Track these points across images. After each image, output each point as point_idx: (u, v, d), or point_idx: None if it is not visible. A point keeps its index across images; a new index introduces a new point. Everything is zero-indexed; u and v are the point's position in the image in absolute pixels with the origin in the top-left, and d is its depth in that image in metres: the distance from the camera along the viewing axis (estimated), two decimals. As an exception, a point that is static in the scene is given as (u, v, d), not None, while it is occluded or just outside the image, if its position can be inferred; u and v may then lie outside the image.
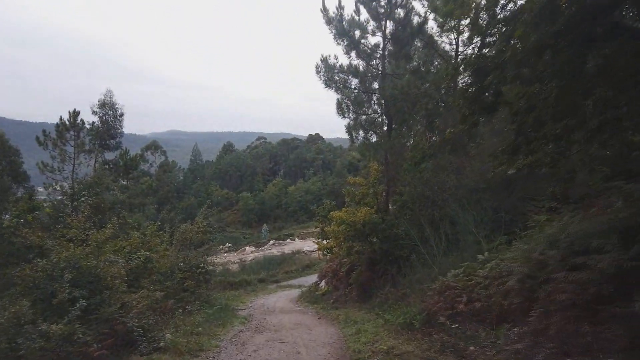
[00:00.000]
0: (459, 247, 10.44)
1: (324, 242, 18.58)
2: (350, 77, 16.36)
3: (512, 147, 6.05)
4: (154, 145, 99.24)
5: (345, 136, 16.97)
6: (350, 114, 16.00)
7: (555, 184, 8.10)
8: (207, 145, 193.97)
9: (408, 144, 15.85)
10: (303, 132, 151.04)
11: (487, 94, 5.89)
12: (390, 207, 15.48)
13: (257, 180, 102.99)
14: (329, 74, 16.11)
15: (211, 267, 15.64)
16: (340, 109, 15.79)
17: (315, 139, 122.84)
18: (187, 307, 11.93)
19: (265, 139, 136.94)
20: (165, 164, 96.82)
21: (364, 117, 16.28)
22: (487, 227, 10.18)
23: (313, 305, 17.00)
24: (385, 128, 15.89)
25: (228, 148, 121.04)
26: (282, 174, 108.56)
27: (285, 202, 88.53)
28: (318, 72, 15.85)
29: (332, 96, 16.49)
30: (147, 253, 11.49)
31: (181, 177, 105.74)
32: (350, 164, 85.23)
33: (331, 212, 15.61)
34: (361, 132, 16.48)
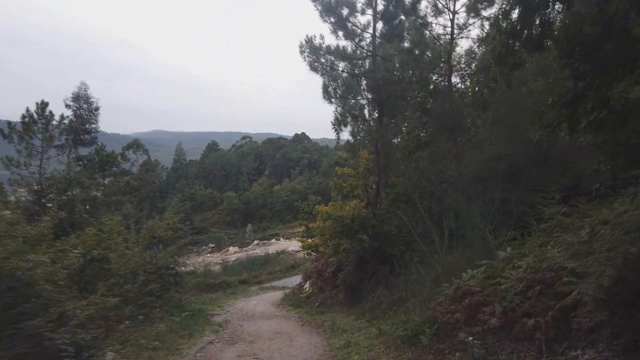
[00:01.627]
0: (462, 242, 9.07)
1: (309, 240, 17.15)
2: (337, 60, 14.92)
3: (572, 96, 4.48)
4: (135, 144, 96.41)
5: (332, 136, 15.60)
6: (338, 100, 14.55)
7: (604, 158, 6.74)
8: (192, 145, 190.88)
9: (401, 131, 14.42)
10: (289, 132, 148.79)
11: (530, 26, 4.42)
12: (379, 202, 14.07)
13: (242, 179, 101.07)
14: (314, 55, 14.64)
15: (183, 268, 14.03)
16: (327, 93, 14.34)
17: (301, 138, 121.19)
18: (148, 314, 10.35)
19: (250, 138, 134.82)
20: (148, 163, 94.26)
21: (352, 101, 14.86)
22: (495, 220, 8.84)
23: (296, 309, 15.51)
24: (375, 114, 14.47)
25: (212, 147, 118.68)
26: (268, 174, 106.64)
27: (270, 202, 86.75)
28: (302, 52, 14.37)
29: (318, 92, 15.05)
30: (97, 252, 9.86)
31: (164, 177, 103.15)
32: (337, 163, 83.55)
33: (316, 207, 14.13)
34: (349, 119, 15.08)
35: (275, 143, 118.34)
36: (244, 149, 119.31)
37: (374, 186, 14.41)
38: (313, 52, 14.52)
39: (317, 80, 14.21)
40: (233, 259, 44.14)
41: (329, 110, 19.88)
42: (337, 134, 18.63)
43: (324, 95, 14.32)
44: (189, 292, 20.01)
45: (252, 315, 14.64)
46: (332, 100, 14.49)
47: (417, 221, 11.63)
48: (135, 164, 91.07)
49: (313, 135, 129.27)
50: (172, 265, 13.14)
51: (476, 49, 21.81)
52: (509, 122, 11.57)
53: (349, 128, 18.12)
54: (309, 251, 15.98)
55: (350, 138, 16.44)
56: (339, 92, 14.68)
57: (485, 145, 11.34)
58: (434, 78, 17.51)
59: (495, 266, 5.15)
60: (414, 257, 11.19)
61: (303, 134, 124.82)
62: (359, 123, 14.66)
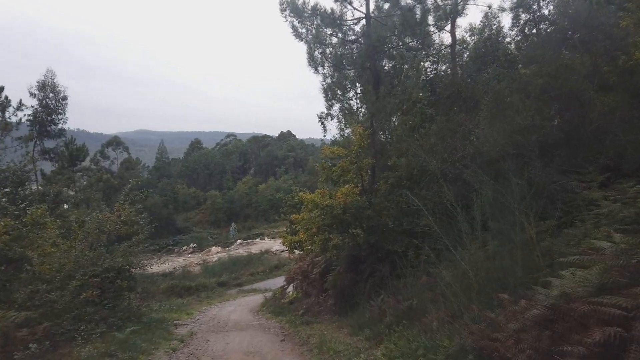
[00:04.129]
0: (489, 233, 6.86)
1: (292, 236, 14.73)
2: (324, 25, 12.61)
3: None
4: (115, 141, 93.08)
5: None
6: (325, 68, 12.27)
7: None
8: (177, 145, 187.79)
9: (402, 105, 12.10)
10: (275, 132, 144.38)
11: None
12: (375, 188, 11.76)
13: (227, 178, 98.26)
14: (298, 17, 12.32)
15: (139, 270, 11.62)
16: (312, 60, 12.06)
17: (287, 136, 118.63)
18: (80, 330, 7.93)
19: (235, 136, 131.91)
20: (128, 161, 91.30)
21: (342, 72, 12.60)
22: (536, 205, 6.70)
23: (277, 317, 13.16)
24: (370, 86, 12.19)
25: (195, 145, 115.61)
26: (253, 172, 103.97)
27: (255, 201, 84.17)
28: (282, 10, 12.02)
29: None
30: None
31: (146, 175, 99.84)
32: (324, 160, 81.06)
33: (300, 193, 11.77)
34: (338, 93, 12.83)
35: (260, 141, 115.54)
36: (228, 147, 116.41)
37: (368, 171, 12.16)
38: (295, 12, 12.22)
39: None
40: (215, 259, 41.68)
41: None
42: (323, 127, 16.36)
43: (309, 63, 12.04)
44: (153, 297, 17.63)
45: (224, 326, 12.28)
46: (319, 69, 12.22)
47: (422, 209, 9.49)
48: (115, 162, 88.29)
49: (299, 135, 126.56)
50: (125, 267, 10.74)
51: (468, 39, 19.77)
52: (537, 88, 9.45)
53: (335, 122, 15.97)
54: (292, 247, 13.62)
55: (337, 135, 14.33)
56: (327, 62, 12.43)
57: (511, 114, 9.16)
58: (427, 66, 15.38)
59: (606, 263, 2.93)
60: (421, 255, 9.00)
61: (289, 132, 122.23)
62: (350, 98, 12.36)
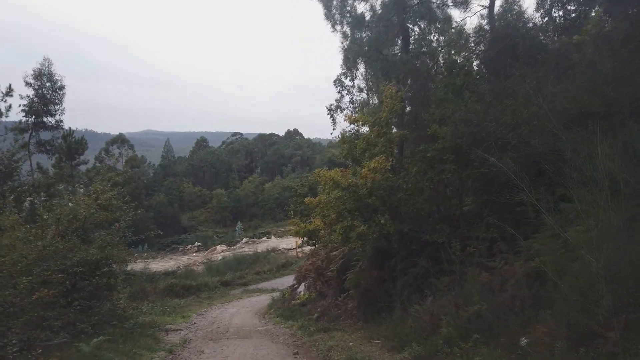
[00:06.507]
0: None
1: (303, 224, 12.62)
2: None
3: None
4: (120, 139, 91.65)
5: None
6: (344, 25, 10.27)
7: None
8: (184, 145, 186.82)
9: (439, 63, 9.97)
10: (281, 131, 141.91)
11: None
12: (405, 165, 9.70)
13: (233, 177, 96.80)
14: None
15: (121, 266, 9.68)
16: (330, 15, 10.06)
17: (293, 134, 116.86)
18: (32, 340, 5.97)
19: (241, 134, 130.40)
20: (133, 159, 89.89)
21: (364, 34, 10.57)
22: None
23: (287, 321, 11.15)
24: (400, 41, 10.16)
25: (201, 143, 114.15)
26: (259, 171, 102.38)
27: (261, 200, 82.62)
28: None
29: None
30: None
31: (152, 174, 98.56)
32: (330, 161, 78.72)
33: (318, 170, 9.68)
34: (360, 60, 10.82)
35: (266, 139, 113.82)
36: (234, 145, 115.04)
37: (395, 150, 10.13)
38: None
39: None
40: (219, 258, 39.90)
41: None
42: (332, 120, 14.45)
43: (326, 17, 10.08)
44: (147, 297, 15.74)
45: (224, 332, 10.33)
46: (337, 26, 10.22)
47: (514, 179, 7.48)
48: (120, 160, 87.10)
49: (306, 135, 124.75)
50: (104, 261, 8.80)
51: (486, 27, 17.61)
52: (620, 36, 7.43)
53: (345, 112, 14.10)
54: (305, 239, 11.53)
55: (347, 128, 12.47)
56: (346, 19, 10.45)
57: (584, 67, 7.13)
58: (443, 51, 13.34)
59: None
60: (468, 247, 6.98)
61: (295, 130, 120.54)
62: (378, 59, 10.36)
